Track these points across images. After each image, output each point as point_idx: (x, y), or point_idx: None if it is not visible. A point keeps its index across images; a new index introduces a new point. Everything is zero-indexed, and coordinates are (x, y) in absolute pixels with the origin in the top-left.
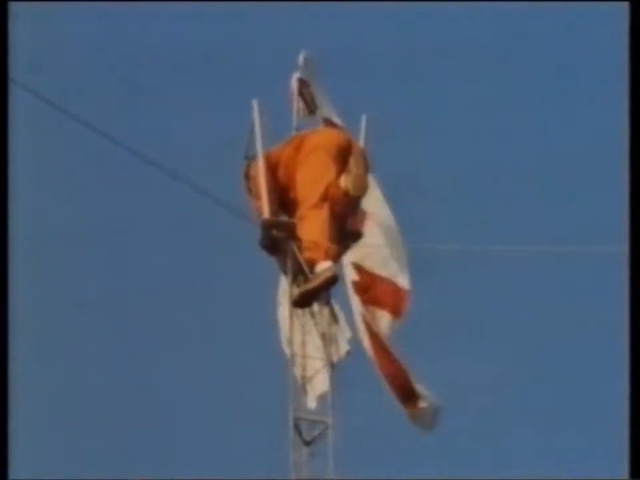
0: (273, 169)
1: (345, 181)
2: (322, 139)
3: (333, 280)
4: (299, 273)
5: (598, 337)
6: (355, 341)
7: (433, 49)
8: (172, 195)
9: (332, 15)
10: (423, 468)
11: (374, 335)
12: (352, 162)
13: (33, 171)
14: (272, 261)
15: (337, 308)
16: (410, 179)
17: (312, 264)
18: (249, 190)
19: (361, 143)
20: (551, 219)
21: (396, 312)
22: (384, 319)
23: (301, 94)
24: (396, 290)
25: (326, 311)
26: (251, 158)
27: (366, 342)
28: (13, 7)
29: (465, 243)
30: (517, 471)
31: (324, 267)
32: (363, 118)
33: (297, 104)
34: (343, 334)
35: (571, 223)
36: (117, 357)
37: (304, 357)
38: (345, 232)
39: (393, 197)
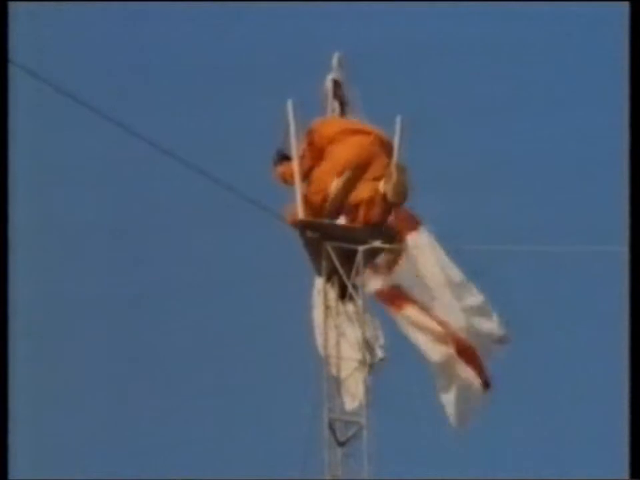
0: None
1: (384, 186)
2: (342, 158)
3: None
4: (333, 273)
5: (598, 337)
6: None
7: (435, 50)
8: (199, 190)
9: (355, 16)
10: (455, 468)
11: None
12: (393, 168)
13: (33, 171)
14: (305, 260)
15: (369, 314)
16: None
17: None
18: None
19: (396, 143)
20: (552, 219)
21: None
22: None
23: (335, 95)
24: None
25: (360, 310)
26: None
27: None
28: (13, 7)
29: (466, 242)
30: (517, 471)
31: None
32: (398, 119)
33: (331, 104)
34: (377, 340)
35: (572, 223)
36: (121, 357)
37: (338, 357)
38: (381, 232)
39: None
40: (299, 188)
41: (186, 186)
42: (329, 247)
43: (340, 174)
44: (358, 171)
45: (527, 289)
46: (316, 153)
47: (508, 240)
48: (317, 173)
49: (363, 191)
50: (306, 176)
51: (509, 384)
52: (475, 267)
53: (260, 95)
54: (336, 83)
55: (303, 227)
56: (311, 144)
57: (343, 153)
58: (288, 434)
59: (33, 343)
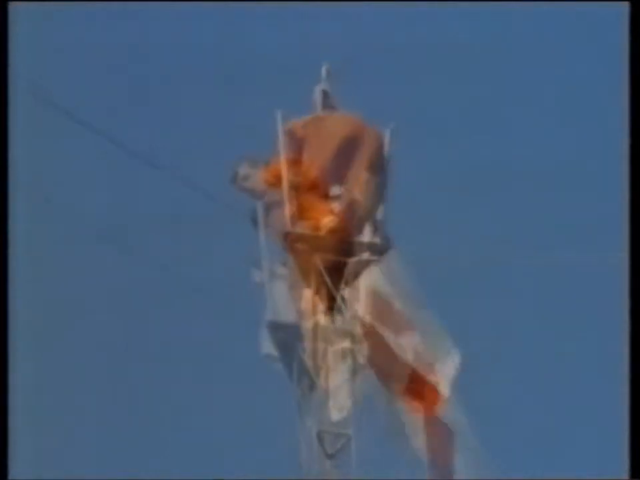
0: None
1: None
2: (334, 131)
3: None
4: (322, 286)
5: (598, 339)
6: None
7: (431, 51)
8: (184, 197)
9: (343, 17)
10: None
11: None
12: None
13: (32, 171)
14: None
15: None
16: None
17: None
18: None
19: (386, 153)
20: (551, 224)
21: None
22: None
23: (324, 105)
24: None
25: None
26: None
27: None
28: (13, 7)
29: (466, 249)
30: (517, 471)
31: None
32: (388, 130)
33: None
34: (362, 350)
35: (572, 229)
36: (120, 357)
37: (326, 369)
38: (371, 245)
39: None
40: (286, 197)
41: (173, 193)
42: (319, 260)
43: (331, 151)
44: (350, 147)
45: (527, 296)
46: (298, 143)
47: (504, 247)
48: (307, 155)
49: (354, 182)
50: (293, 165)
51: (509, 384)
52: (471, 273)
53: (249, 101)
54: (325, 94)
55: (291, 239)
56: (292, 136)
57: (334, 127)
58: (276, 446)
59: (33, 343)
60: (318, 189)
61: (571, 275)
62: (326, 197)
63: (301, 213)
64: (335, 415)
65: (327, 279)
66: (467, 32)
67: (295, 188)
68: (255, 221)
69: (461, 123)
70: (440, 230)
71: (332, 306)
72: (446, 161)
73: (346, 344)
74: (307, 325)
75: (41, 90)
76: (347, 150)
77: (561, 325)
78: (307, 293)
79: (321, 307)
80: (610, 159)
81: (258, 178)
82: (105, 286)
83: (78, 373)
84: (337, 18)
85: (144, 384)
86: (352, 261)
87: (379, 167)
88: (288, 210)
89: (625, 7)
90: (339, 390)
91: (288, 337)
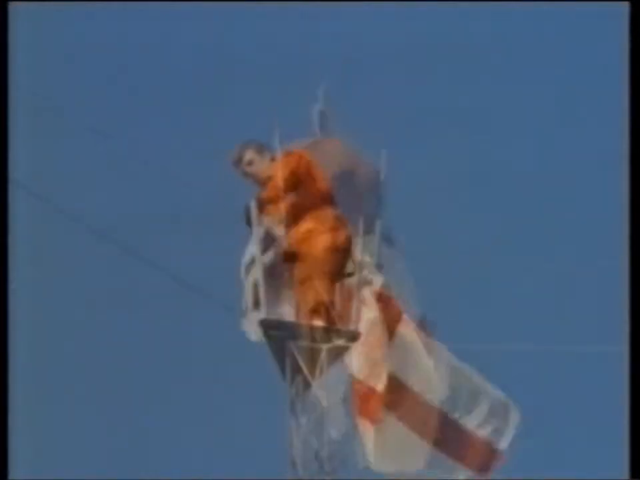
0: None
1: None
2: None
3: None
4: (297, 372)
5: (598, 338)
6: None
7: (430, 51)
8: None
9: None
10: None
11: None
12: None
13: (32, 171)
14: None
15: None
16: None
17: None
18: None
19: (382, 176)
20: (551, 225)
21: None
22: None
23: (321, 126)
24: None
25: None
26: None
27: None
28: (13, 7)
29: (465, 250)
30: (517, 471)
31: None
32: (383, 153)
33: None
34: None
35: (572, 229)
36: (119, 357)
37: (324, 387)
38: (346, 331)
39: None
40: (284, 218)
41: (173, 193)
42: (315, 279)
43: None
44: (344, 178)
45: (526, 296)
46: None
47: (503, 248)
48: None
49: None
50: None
51: (509, 384)
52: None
53: (248, 101)
54: (322, 115)
55: (265, 326)
56: (288, 155)
57: (329, 157)
58: (273, 464)
59: (33, 343)
60: (316, 207)
61: (571, 275)
62: (323, 216)
63: (296, 229)
64: (333, 432)
65: (303, 366)
66: (467, 32)
67: (293, 205)
68: (248, 220)
69: (459, 124)
70: (439, 230)
71: (330, 324)
72: (445, 161)
73: (341, 341)
74: (303, 325)
75: (41, 90)
76: (341, 180)
77: (561, 324)
78: (305, 308)
79: (318, 323)
80: (610, 159)
81: (263, 166)
82: (105, 286)
83: (78, 373)
84: (336, 18)
85: (144, 384)
86: (349, 279)
87: (373, 195)
88: (284, 228)
89: (625, 7)
90: (336, 407)
91: (281, 334)
